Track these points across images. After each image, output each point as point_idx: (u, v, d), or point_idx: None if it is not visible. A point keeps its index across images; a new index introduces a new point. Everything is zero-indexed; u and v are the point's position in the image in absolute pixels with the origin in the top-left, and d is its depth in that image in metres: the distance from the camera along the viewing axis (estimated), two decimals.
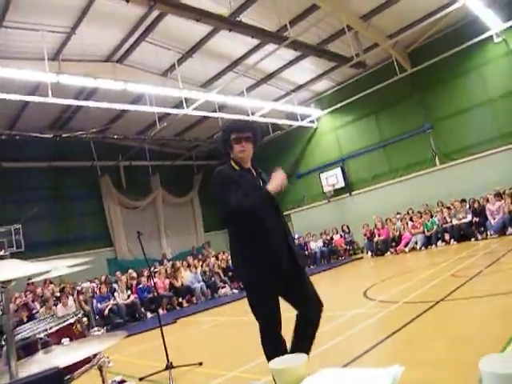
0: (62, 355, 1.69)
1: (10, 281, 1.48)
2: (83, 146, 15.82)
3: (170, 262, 13.81)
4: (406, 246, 12.63)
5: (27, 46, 10.28)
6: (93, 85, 10.56)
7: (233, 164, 2.91)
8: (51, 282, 11.67)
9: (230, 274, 12.64)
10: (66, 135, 13.47)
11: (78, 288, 10.38)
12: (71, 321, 2.46)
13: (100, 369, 2.50)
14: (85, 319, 3.11)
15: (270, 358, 2.59)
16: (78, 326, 2.52)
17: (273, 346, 2.69)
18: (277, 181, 2.67)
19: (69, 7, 9.62)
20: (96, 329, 2.93)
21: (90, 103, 11.55)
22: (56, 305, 9.39)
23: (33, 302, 10.34)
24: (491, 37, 12.27)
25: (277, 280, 2.68)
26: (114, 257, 16.50)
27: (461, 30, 12.73)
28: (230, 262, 13.25)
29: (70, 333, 2.36)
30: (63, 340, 2.21)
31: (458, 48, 12.26)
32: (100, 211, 16.98)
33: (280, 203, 2.92)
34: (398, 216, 13.79)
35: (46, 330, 2.29)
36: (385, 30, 12.69)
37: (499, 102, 12.54)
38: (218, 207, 2.75)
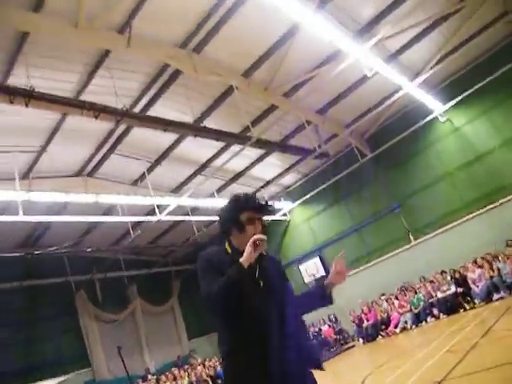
0: None
1: None
2: (56, 262, 15.37)
3: (155, 377, 12.92)
4: (396, 326, 12.31)
5: None
6: (64, 199, 10.60)
7: (227, 247, 2.39)
8: None
9: (219, 382, 11.89)
10: (37, 252, 13.16)
11: None
12: None
13: None
14: None
15: None
16: None
17: None
18: (247, 249, 2.14)
19: (39, 128, 10.00)
20: None
21: (62, 218, 11.52)
22: None
23: None
24: (437, 117, 13.31)
25: None
26: (91, 378, 15.29)
27: (410, 113, 13.72)
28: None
29: None
30: None
31: (411, 129, 13.16)
32: (76, 329, 16.04)
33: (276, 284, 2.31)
34: (382, 297, 13.61)
35: None
36: (341, 120, 13.61)
37: (456, 174, 13.23)
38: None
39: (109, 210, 13.41)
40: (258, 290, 2.21)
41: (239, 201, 2.43)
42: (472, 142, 13.01)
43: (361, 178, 14.83)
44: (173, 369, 13.18)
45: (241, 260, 2.12)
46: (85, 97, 9.08)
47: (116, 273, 17.71)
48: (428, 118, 13.07)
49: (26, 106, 7.22)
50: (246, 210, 2.37)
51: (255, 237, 2.16)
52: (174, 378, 11.85)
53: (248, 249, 2.14)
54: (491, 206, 12.32)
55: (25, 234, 14.09)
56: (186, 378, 11.92)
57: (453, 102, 12.38)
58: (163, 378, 12.08)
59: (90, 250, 14.81)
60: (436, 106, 12.81)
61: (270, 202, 2.49)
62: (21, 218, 9.46)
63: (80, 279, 16.66)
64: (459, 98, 12.18)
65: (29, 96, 7.16)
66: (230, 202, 2.47)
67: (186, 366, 14.32)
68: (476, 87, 11.74)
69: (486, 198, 12.45)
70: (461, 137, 13.25)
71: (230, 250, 2.36)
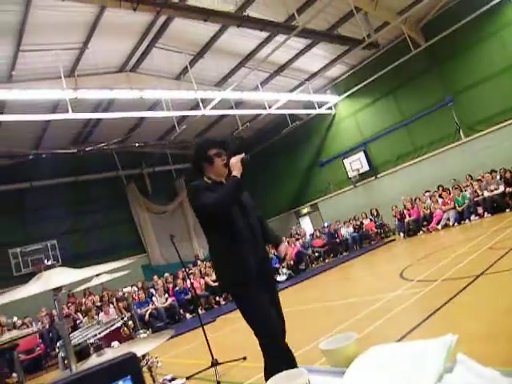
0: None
1: (60, 288, 1.54)
2: (106, 158, 16.15)
3: (204, 262, 13.92)
4: (438, 223, 12.38)
5: (44, 66, 10.56)
6: (109, 96, 10.75)
7: (205, 180, 2.84)
8: (91, 293, 11.95)
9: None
10: (88, 149, 13.74)
11: (120, 294, 10.60)
12: (118, 325, 2.53)
13: (149, 369, 2.56)
14: (130, 322, 3.20)
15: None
16: (125, 329, 2.59)
17: (278, 362, 2.48)
18: (237, 164, 2.69)
19: (78, 23, 9.80)
20: (142, 331, 2.99)
21: (109, 115, 11.75)
22: (98, 314, 9.62)
23: (75, 312, 10.62)
24: None
25: (251, 280, 2.60)
26: (148, 263, 16.79)
27: None
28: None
29: (119, 336, 2.43)
30: (113, 343, 2.28)
31: (472, 15, 11.90)
32: (130, 219, 17.30)
33: (250, 204, 2.92)
34: (426, 194, 13.54)
35: (97, 334, 2.36)
36: (394, 7, 12.45)
37: None
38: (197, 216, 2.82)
39: (154, 105, 13.51)
40: (238, 206, 2.77)
41: (205, 141, 3.00)
42: None
43: (412, 69, 13.96)
44: None
45: (234, 173, 2.66)
46: None
47: (164, 167, 18.40)
48: (497, 0, 11.70)
49: None
50: (212, 147, 2.87)
51: (241, 156, 2.73)
52: None
53: (238, 164, 2.69)
54: None
55: (75, 131, 14.58)
56: None
57: None
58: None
59: (137, 145, 15.25)
60: None
61: (228, 139, 3.05)
62: (70, 115, 9.74)
63: (130, 173, 17.52)
64: None
65: None
66: (197, 144, 3.03)
67: None
68: None
69: None
70: None
71: (208, 181, 2.83)
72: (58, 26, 9.56)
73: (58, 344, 2.99)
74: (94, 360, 1.78)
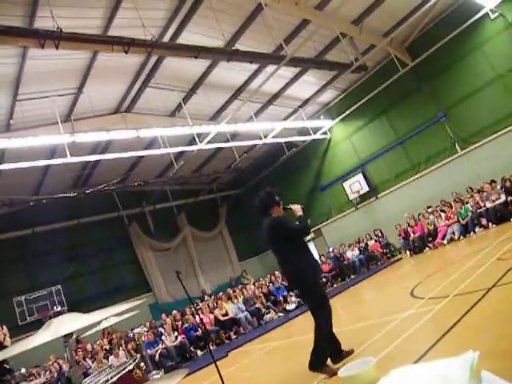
0: None
1: (71, 334, 1.51)
2: (107, 199, 16.19)
3: (212, 297, 13.76)
4: (443, 238, 12.30)
5: (40, 113, 10.78)
6: (106, 138, 10.85)
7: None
8: (108, 333, 11.72)
9: (272, 298, 12.52)
10: (88, 191, 13.79)
11: (130, 335, 10.42)
12: (130, 367, 2.47)
13: None
14: (142, 364, 3.11)
15: (326, 345, 4.11)
16: (138, 371, 2.53)
17: (330, 333, 4.15)
18: (298, 210, 4.50)
19: (72, 69, 10.04)
20: (154, 372, 2.93)
21: (107, 156, 11.84)
22: (107, 358, 9.43)
23: (84, 359, 10.41)
24: (487, 14, 12.21)
25: (319, 281, 4.66)
26: (154, 301, 16.59)
27: (454, 14, 12.75)
28: (282, 275, 13.16)
29: (132, 379, 2.36)
30: None
31: (455, 32, 12.24)
32: (133, 259, 17.21)
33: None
34: (429, 210, 13.49)
35: (108, 379, 2.30)
36: (378, 29, 12.76)
37: (509, 76, 12.30)
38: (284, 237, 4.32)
39: (150, 143, 13.64)
40: None
41: (272, 190, 4.55)
42: None
43: (402, 88, 14.20)
44: (227, 289, 13.96)
45: (299, 214, 4.48)
46: (112, 32, 8.94)
47: (165, 204, 18.45)
48: (476, 17, 12.02)
49: (57, 48, 7.19)
50: (276, 195, 4.52)
51: (300, 205, 4.54)
52: (229, 298, 12.55)
53: (300, 210, 4.50)
54: None
55: (74, 174, 14.72)
56: (241, 297, 12.59)
57: None
58: (220, 294, 12.99)
59: (137, 184, 15.31)
60: (487, 1, 11.64)
61: None
62: (69, 159, 9.84)
63: (131, 212, 17.54)
64: None
65: (58, 38, 7.10)
66: (266, 192, 4.52)
67: (240, 286, 15.09)
68: None
69: None
70: None
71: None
72: (53, 74, 9.79)
73: None
74: None
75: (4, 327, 6.35)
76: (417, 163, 14.79)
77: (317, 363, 4.06)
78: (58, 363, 10.29)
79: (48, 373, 10.24)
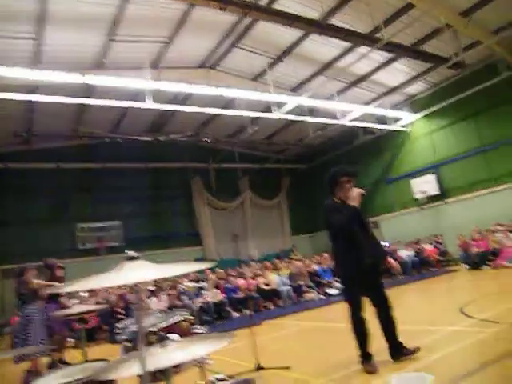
0: (179, 351, 1.77)
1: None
2: (177, 149, 16.66)
3: (258, 264, 13.97)
4: (506, 260, 11.60)
5: (131, 56, 11.10)
6: (188, 90, 11.06)
7: (335, 200, 4.21)
8: None
9: (317, 279, 12.52)
10: (162, 138, 14.25)
11: (182, 288, 10.82)
12: (181, 318, 2.59)
13: (200, 366, 2.60)
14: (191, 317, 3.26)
15: (355, 332, 4.15)
16: (184, 323, 2.65)
17: (357, 328, 4.16)
18: (357, 197, 4.01)
19: (167, 18, 10.21)
20: (197, 327, 3.05)
21: (185, 108, 12.09)
22: (149, 297, 9.90)
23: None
24: None
25: (356, 276, 4.13)
26: (201, 256, 17.12)
27: None
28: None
29: (177, 329, 2.48)
30: (171, 335, 2.34)
31: None
32: (190, 211, 17.77)
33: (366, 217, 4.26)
34: (499, 228, 12.72)
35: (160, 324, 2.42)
36: (488, 25, 11.74)
37: None
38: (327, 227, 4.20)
39: (228, 103, 13.76)
40: (358, 222, 4.15)
41: (340, 169, 4.27)
42: None
43: (499, 95, 13.19)
44: (274, 259, 14.14)
45: (353, 203, 4.02)
46: None
47: (230, 164, 18.72)
48: None
49: None
50: (344, 175, 4.19)
51: (361, 190, 4.05)
52: (275, 268, 12.70)
53: (358, 197, 4.02)
54: None
55: (152, 120, 15.20)
56: (287, 270, 12.67)
57: None
58: (266, 263, 13.15)
59: (208, 140, 15.59)
60: None
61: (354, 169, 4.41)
62: (150, 105, 10.19)
63: (197, 166, 18.02)
64: None
65: None
66: (333, 171, 4.26)
67: (287, 260, 15.20)
68: None
69: None
70: None
71: (337, 201, 4.22)
72: (148, 20, 10.04)
73: (119, 325, 3.11)
74: (157, 350, 1.83)
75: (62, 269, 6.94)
76: (497, 176, 13.86)
77: (395, 352, 4.13)
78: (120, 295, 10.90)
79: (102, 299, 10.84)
